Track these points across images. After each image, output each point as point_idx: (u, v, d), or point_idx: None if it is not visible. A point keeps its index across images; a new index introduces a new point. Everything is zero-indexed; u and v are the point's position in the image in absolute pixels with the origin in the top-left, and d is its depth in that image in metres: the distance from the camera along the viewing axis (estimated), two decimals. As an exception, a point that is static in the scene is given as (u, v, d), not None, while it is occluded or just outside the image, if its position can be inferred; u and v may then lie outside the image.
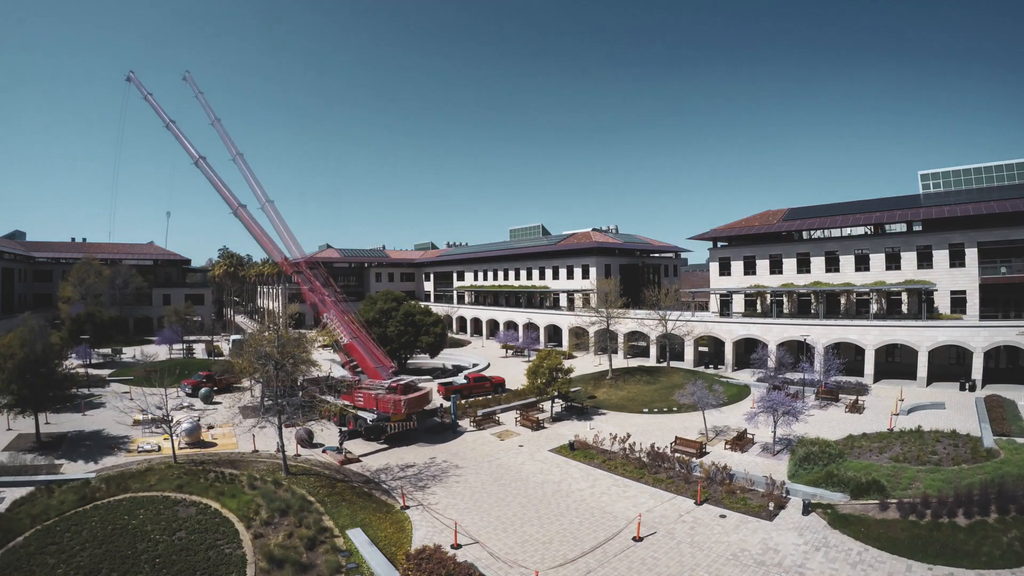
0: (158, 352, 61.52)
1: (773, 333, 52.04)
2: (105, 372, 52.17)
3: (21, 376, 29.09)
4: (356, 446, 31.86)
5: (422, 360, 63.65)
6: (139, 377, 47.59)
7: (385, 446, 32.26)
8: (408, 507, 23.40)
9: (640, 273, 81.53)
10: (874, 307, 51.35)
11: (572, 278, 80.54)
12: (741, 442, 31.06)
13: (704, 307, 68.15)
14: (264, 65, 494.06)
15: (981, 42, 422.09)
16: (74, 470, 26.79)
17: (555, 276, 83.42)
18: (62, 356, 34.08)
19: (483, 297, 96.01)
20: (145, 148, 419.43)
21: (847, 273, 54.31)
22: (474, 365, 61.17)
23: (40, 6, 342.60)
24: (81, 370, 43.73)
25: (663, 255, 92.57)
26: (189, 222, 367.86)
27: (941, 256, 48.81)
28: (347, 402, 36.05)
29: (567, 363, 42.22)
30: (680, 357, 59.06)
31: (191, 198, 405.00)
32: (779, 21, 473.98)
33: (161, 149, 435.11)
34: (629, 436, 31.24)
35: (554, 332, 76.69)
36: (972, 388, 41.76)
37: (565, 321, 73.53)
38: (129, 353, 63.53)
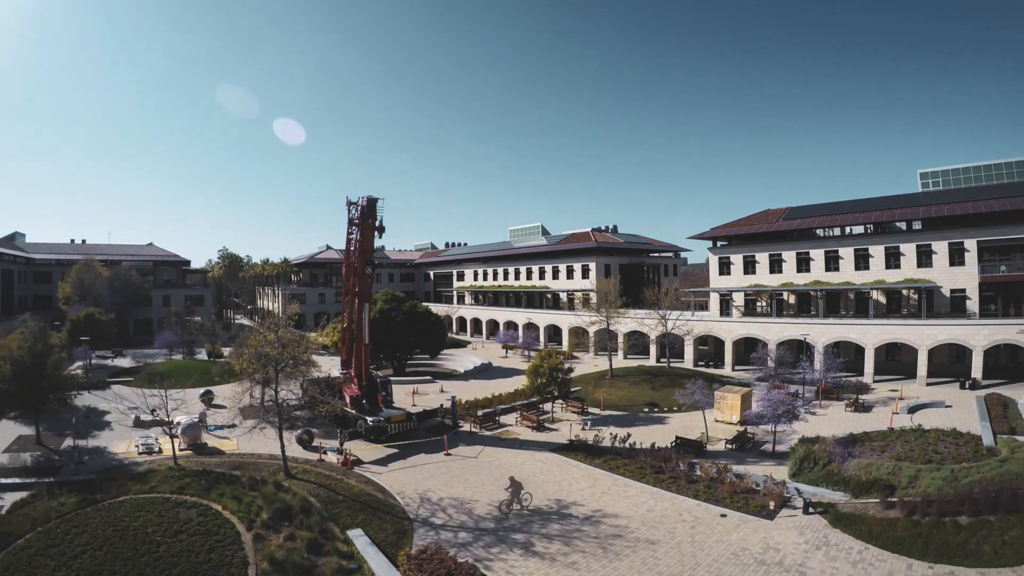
0: (157, 354, 61.35)
1: (773, 332, 52.05)
2: (105, 375, 52.09)
3: (20, 378, 28.98)
4: (357, 447, 31.78)
5: (422, 360, 63.59)
6: (139, 379, 47.55)
7: (395, 450, 32.06)
8: (408, 507, 23.41)
9: (640, 273, 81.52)
10: (875, 304, 51.35)
11: (572, 278, 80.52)
12: (742, 442, 31.09)
13: (704, 306, 68.09)
14: (264, 64, 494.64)
15: (981, 41, 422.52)
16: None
17: (555, 276, 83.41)
18: (62, 358, 33.64)
19: (483, 297, 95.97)
20: (145, 147, 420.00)
21: (847, 272, 54.28)
22: (474, 366, 61.15)
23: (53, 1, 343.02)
24: (80, 371, 43.59)
25: (663, 255, 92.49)
26: (189, 222, 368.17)
27: (941, 254, 48.80)
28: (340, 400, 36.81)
29: (567, 363, 42.20)
30: (680, 356, 59.09)
31: (191, 198, 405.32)
32: (779, 19, 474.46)
33: (161, 149, 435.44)
34: (629, 435, 31.25)
35: (554, 332, 76.67)
36: (972, 386, 41.77)
37: (565, 321, 73.52)
38: (130, 355, 63.39)
